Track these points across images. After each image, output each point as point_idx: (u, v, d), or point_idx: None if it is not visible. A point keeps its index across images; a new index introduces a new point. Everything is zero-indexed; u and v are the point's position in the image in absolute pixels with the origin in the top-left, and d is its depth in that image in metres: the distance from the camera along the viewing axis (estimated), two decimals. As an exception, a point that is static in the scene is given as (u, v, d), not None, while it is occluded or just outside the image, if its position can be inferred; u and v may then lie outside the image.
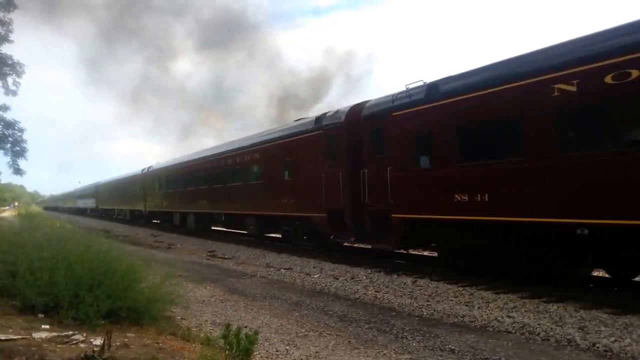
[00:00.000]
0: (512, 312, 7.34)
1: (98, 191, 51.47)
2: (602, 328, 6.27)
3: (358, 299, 8.87)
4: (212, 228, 23.55)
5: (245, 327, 5.88)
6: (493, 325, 6.79)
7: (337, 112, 13.24)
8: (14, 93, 27.69)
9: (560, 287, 8.12)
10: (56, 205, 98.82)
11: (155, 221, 32.24)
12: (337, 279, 10.74)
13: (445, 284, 9.42)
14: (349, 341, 6.04)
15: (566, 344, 5.90)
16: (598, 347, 5.67)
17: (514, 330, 6.52)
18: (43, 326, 4.73)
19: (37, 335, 4.37)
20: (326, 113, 13.76)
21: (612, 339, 5.83)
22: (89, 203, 57.37)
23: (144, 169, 33.34)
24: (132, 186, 36.48)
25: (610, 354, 5.53)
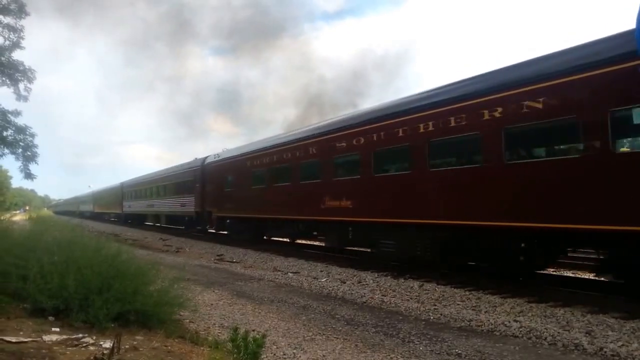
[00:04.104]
0: (519, 316, 7.33)
1: (205, 177, 24.23)
2: (610, 332, 6.25)
3: (365, 303, 8.88)
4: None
5: (253, 330, 5.92)
6: (500, 330, 6.78)
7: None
8: (25, 99, 28.12)
9: (568, 290, 8.11)
10: (79, 210, 69.92)
11: None
12: (344, 282, 10.76)
13: (452, 288, 9.42)
14: (356, 345, 6.06)
15: (573, 348, 5.88)
16: (605, 352, 5.65)
17: (520, 335, 6.51)
18: (53, 329, 4.79)
19: (47, 337, 4.43)
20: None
21: (620, 343, 5.82)
22: (173, 206, 28.92)
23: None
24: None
25: (617, 358, 5.51)
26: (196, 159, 27.43)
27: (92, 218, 57.60)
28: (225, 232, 23.25)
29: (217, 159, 23.51)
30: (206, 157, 25.18)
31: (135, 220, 41.16)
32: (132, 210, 40.97)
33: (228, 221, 22.01)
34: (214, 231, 24.72)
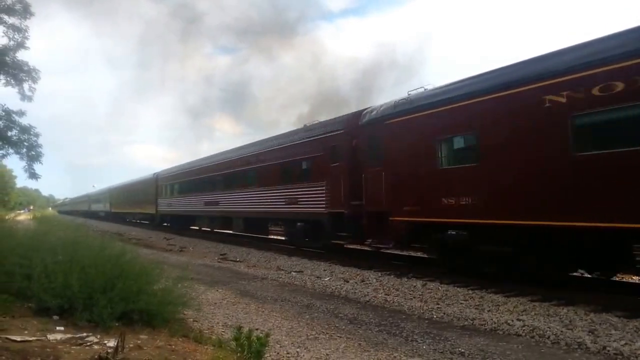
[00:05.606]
0: (522, 315, 7.32)
1: (361, 148, 13.04)
2: (613, 331, 6.24)
3: (368, 301, 8.89)
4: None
5: (257, 329, 5.94)
6: (503, 329, 6.77)
7: None
8: (30, 99, 28.24)
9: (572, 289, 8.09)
10: (91, 210, 60.44)
11: None
12: (348, 281, 10.77)
13: (455, 287, 9.43)
14: (359, 344, 6.07)
15: (576, 347, 5.87)
16: (608, 351, 5.63)
17: (523, 334, 6.51)
18: (58, 328, 4.82)
19: (51, 336, 4.46)
20: None
21: (623, 342, 5.81)
22: (268, 202, 17.51)
23: None
24: None
25: (620, 357, 5.49)
26: (312, 122, 16.74)
27: (101, 219, 50.93)
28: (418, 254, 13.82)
29: (405, 107, 11.47)
30: (363, 111, 13.55)
31: (176, 224, 30.40)
32: (175, 209, 29.20)
33: (451, 233, 10.31)
34: (389, 251, 13.30)
